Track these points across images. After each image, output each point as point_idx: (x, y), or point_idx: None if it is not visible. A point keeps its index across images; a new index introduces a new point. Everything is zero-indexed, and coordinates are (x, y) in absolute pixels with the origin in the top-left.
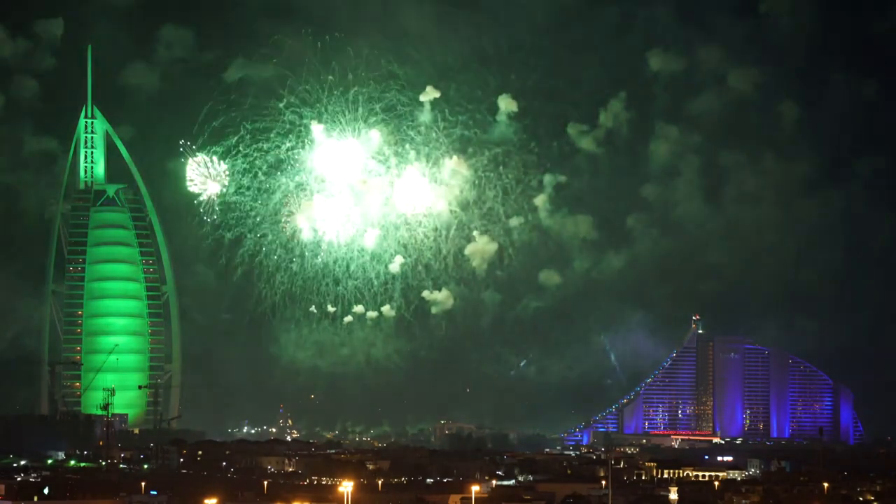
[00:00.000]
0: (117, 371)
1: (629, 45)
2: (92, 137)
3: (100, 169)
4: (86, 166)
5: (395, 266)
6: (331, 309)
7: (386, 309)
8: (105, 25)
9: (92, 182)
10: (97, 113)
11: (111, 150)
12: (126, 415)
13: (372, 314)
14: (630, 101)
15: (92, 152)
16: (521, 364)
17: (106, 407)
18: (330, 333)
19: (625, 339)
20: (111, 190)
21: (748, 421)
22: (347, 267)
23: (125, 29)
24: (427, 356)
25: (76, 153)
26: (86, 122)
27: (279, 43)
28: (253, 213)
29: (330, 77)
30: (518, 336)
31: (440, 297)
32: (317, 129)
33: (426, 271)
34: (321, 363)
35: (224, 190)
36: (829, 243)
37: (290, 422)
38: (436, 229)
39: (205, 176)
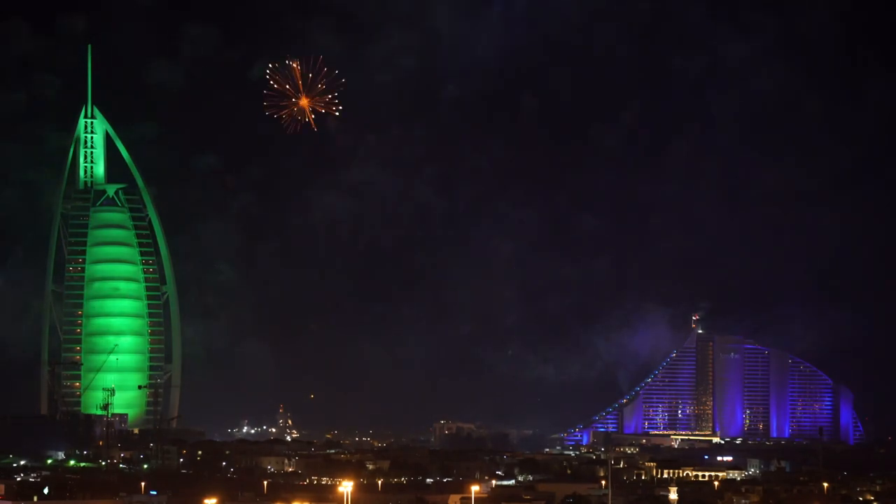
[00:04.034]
0: (117, 371)
1: (655, 43)
2: (92, 137)
3: (100, 169)
4: (86, 166)
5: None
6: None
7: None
8: (129, 23)
9: (92, 182)
10: (97, 113)
11: (111, 151)
12: (126, 415)
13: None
14: (653, 99)
15: (92, 152)
16: (509, 353)
17: (106, 407)
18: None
19: (639, 338)
20: (111, 190)
21: (748, 421)
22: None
23: (149, 27)
24: (437, 355)
25: (76, 153)
26: (86, 122)
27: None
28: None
29: None
30: (538, 335)
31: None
32: None
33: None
34: (325, 362)
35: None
36: (831, 243)
37: (289, 422)
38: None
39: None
